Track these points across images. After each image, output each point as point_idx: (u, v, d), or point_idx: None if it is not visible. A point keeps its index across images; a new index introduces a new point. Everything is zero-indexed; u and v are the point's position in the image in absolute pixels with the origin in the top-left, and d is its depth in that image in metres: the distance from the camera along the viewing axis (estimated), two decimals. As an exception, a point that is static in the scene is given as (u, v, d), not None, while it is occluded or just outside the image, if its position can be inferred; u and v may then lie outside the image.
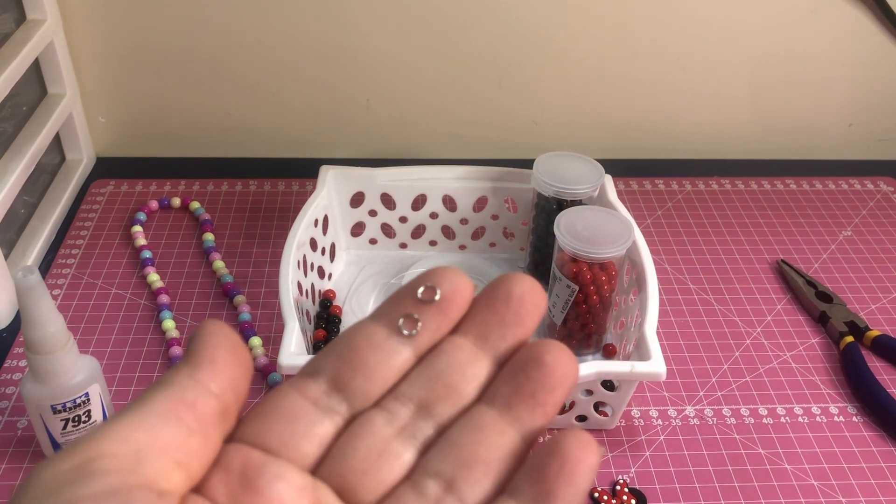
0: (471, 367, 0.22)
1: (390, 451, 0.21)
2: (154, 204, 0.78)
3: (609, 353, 0.63)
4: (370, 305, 0.68)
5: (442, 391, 0.22)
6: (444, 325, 0.23)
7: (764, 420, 0.59)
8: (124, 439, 0.19)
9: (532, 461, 0.21)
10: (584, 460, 0.20)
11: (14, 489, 0.54)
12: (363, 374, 0.22)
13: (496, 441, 0.21)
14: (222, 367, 0.21)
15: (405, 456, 0.21)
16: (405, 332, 0.23)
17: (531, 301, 0.23)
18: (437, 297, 0.23)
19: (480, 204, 0.71)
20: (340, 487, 0.21)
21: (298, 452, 0.21)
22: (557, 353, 0.22)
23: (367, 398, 0.22)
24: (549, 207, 0.66)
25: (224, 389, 0.21)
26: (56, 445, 0.52)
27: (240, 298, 0.67)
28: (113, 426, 0.19)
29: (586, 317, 0.61)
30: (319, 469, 0.21)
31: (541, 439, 0.22)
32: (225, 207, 0.78)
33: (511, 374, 0.22)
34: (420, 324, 0.22)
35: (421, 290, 0.23)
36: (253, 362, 0.22)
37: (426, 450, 0.21)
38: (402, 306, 0.23)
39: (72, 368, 0.49)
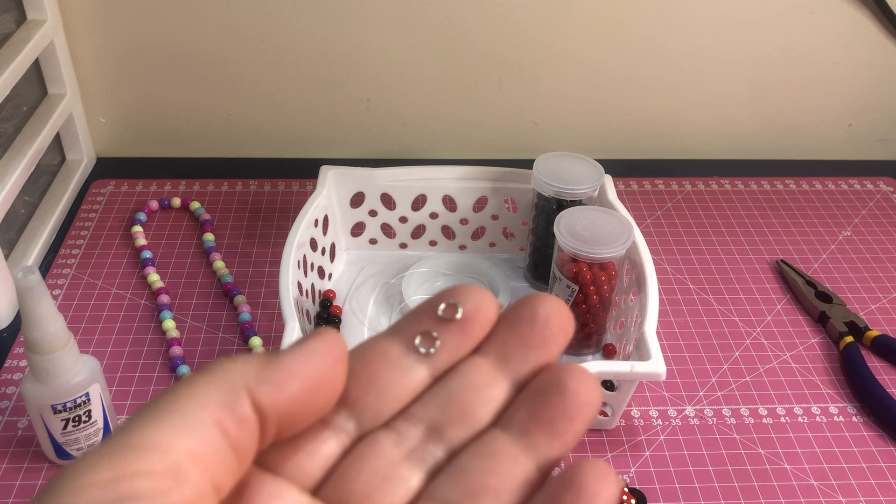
0: (487, 390, 0.21)
1: (396, 476, 0.20)
2: (154, 204, 0.78)
3: (609, 353, 0.63)
4: (370, 305, 0.68)
5: (455, 414, 0.21)
6: (464, 345, 0.21)
7: (764, 420, 0.59)
8: (164, 451, 0.18)
9: (546, 492, 0.19)
10: (602, 493, 0.19)
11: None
12: (374, 391, 0.21)
13: (509, 469, 0.20)
14: (295, 387, 0.19)
15: (412, 481, 0.20)
16: (422, 350, 0.21)
17: (557, 324, 0.21)
18: (458, 316, 0.21)
19: (480, 204, 0.71)
20: None
21: (300, 471, 0.20)
22: (580, 380, 0.21)
23: (377, 417, 0.21)
24: (549, 207, 0.66)
25: (282, 411, 0.19)
26: (56, 445, 0.52)
27: (240, 298, 0.67)
28: (154, 429, 0.18)
29: (586, 317, 0.61)
30: (321, 490, 0.20)
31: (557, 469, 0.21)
32: (225, 207, 0.79)
33: (530, 399, 0.21)
34: (438, 342, 0.21)
35: (442, 307, 0.21)
36: (334, 399, 0.21)
37: (435, 475, 0.20)
38: (421, 323, 0.22)
39: (72, 368, 0.49)
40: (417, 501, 0.20)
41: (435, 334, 0.21)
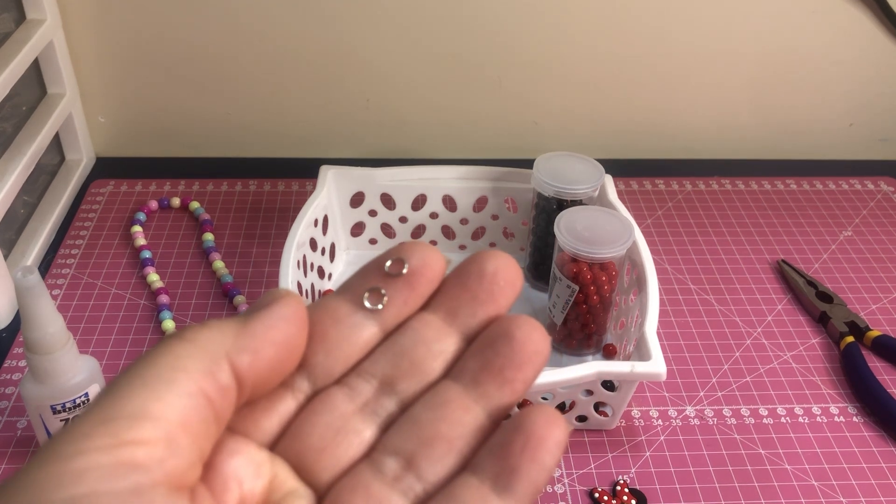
0: (437, 343, 0.21)
1: (349, 429, 0.21)
2: (154, 204, 0.78)
3: (609, 353, 0.63)
4: (370, 305, 0.67)
5: (407, 367, 0.21)
6: (411, 300, 0.22)
7: (764, 420, 0.59)
8: (156, 419, 0.18)
9: (496, 437, 0.20)
10: (551, 437, 0.19)
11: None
12: (324, 349, 0.21)
13: (460, 418, 0.20)
14: (270, 353, 0.20)
15: (365, 433, 0.21)
16: (369, 306, 0.22)
17: (504, 278, 0.22)
18: (404, 271, 0.22)
19: (480, 204, 0.71)
20: (298, 464, 0.21)
21: (257, 428, 0.21)
22: (528, 329, 0.21)
23: (329, 374, 0.21)
24: (550, 207, 0.65)
25: (257, 377, 0.20)
26: (56, 446, 0.52)
27: (240, 298, 0.67)
28: (143, 397, 0.18)
29: (586, 317, 0.61)
30: (278, 445, 0.21)
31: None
32: (225, 207, 0.78)
33: (479, 349, 0.21)
34: (386, 298, 0.22)
35: (388, 263, 0.22)
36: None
37: (388, 427, 0.21)
38: (369, 280, 0.22)
39: (71, 368, 0.49)
40: (371, 453, 0.20)
41: (383, 291, 0.22)
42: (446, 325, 0.22)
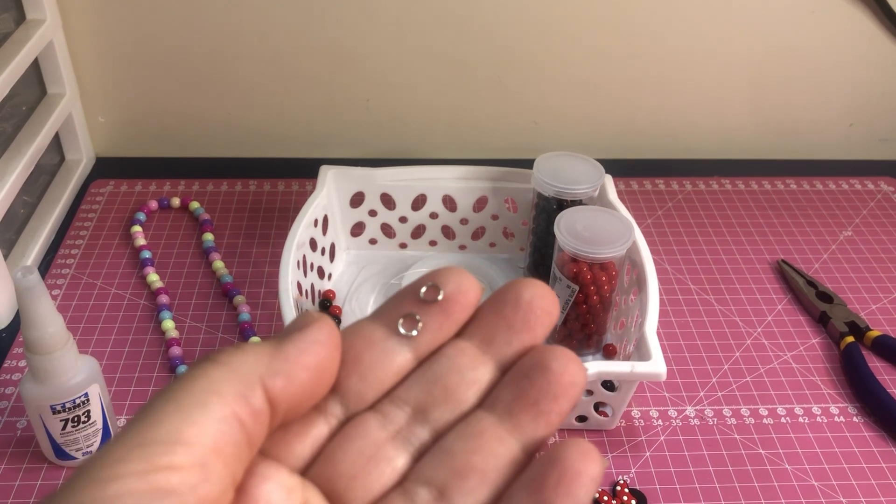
0: (472, 372, 0.21)
1: (382, 456, 0.20)
2: (153, 204, 0.78)
3: (609, 353, 0.63)
4: (370, 305, 0.67)
5: (440, 395, 0.21)
6: (446, 326, 0.22)
7: (764, 420, 0.59)
8: (190, 445, 0.18)
9: (531, 471, 0.20)
10: (586, 472, 0.19)
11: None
12: (358, 374, 0.21)
13: (494, 449, 0.20)
14: (303, 377, 0.20)
15: (397, 461, 0.21)
16: (404, 332, 0.21)
17: (541, 307, 0.22)
18: (440, 298, 0.22)
19: (480, 204, 0.71)
20: (329, 491, 0.20)
21: (290, 453, 0.21)
22: (564, 361, 0.21)
23: (362, 400, 0.21)
24: (550, 207, 0.65)
25: (291, 401, 0.20)
26: (55, 446, 0.52)
27: (239, 298, 0.67)
28: (177, 422, 0.18)
29: (586, 317, 0.61)
30: (310, 471, 0.21)
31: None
32: (224, 207, 0.78)
33: (514, 380, 0.21)
34: (420, 324, 0.21)
35: (424, 289, 0.22)
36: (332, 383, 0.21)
37: (420, 456, 0.21)
38: (403, 306, 0.22)
39: (71, 369, 0.49)
40: (404, 482, 0.20)
41: (417, 317, 0.22)
42: (481, 353, 0.22)
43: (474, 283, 0.22)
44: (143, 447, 0.18)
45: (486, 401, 0.21)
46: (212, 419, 0.18)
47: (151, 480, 0.17)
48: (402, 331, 0.22)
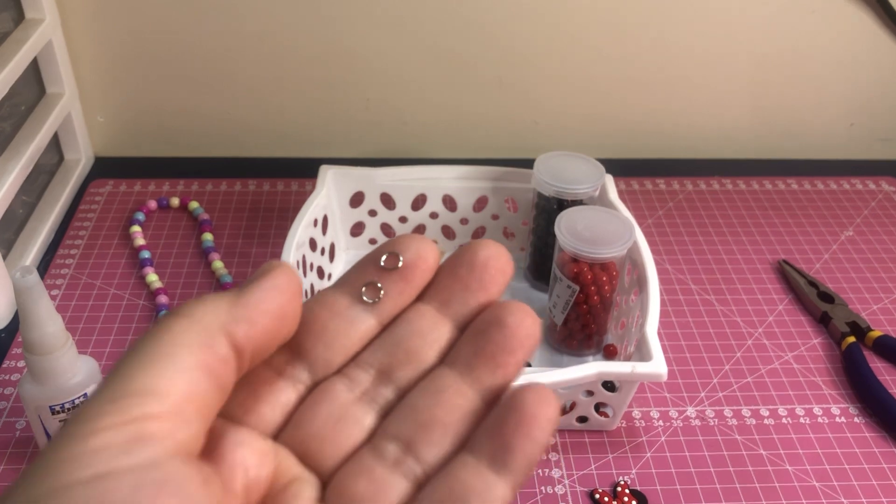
0: (432, 333, 0.22)
1: (350, 416, 0.21)
2: (153, 204, 0.77)
3: (610, 353, 0.63)
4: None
5: (403, 356, 0.22)
6: (407, 292, 0.23)
7: (765, 421, 0.59)
8: (163, 395, 0.19)
9: (491, 418, 0.21)
10: (542, 414, 0.20)
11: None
12: (324, 342, 0.22)
13: (455, 402, 0.21)
14: (265, 322, 0.21)
15: (365, 420, 0.22)
16: (367, 300, 0.23)
17: (495, 266, 0.23)
18: (399, 265, 0.23)
19: (480, 204, 0.71)
20: (302, 452, 0.21)
21: (260, 419, 0.22)
22: (520, 315, 0.22)
23: (328, 366, 0.22)
24: (550, 207, 0.65)
25: (255, 345, 0.21)
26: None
27: (239, 299, 0.67)
28: (149, 375, 0.19)
29: (587, 317, 0.61)
30: (281, 435, 0.22)
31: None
32: (224, 207, 0.78)
33: (472, 336, 0.22)
34: (382, 292, 0.23)
35: (384, 257, 0.23)
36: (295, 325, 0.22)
37: (387, 414, 0.22)
38: (365, 274, 0.23)
39: (70, 369, 0.49)
40: (372, 439, 0.21)
41: (379, 285, 0.23)
42: (440, 315, 0.23)
43: (433, 248, 0.23)
44: (117, 401, 0.18)
45: (447, 358, 0.22)
46: (181, 369, 0.19)
47: (130, 431, 0.18)
48: (365, 299, 0.23)
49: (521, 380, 0.22)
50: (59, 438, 0.18)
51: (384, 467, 0.21)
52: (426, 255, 0.23)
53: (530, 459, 0.20)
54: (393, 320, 0.23)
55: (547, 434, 0.20)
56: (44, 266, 0.71)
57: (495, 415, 0.21)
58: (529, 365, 0.62)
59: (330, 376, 0.22)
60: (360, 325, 0.23)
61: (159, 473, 0.18)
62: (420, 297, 0.23)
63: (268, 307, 0.21)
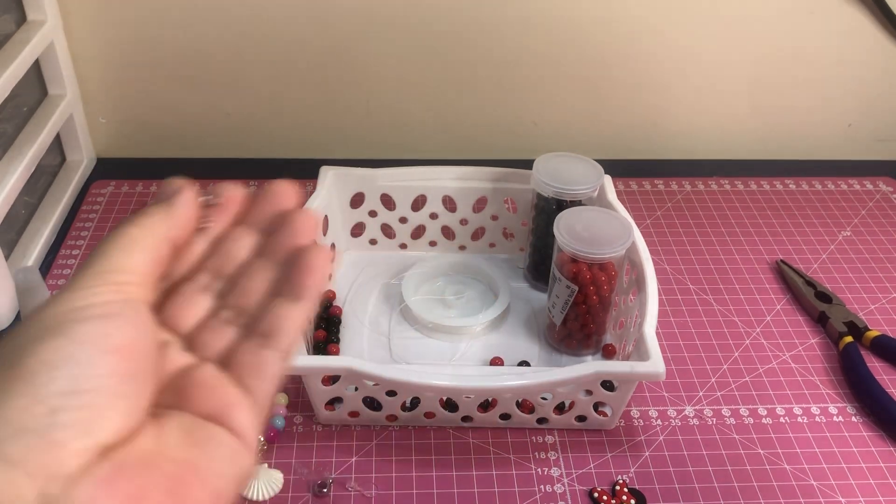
0: (245, 240, 0.31)
1: (194, 301, 0.30)
2: (154, 204, 0.78)
3: (609, 353, 0.63)
4: (370, 306, 0.68)
5: (227, 259, 0.31)
6: (224, 219, 0.32)
7: (763, 420, 0.59)
8: (132, 272, 0.27)
9: (285, 271, 0.31)
10: (317, 265, 0.30)
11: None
12: (177, 259, 0.31)
13: (263, 275, 0.31)
14: (186, 231, 0.31)
15: (206, 302, 0.30)
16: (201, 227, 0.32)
17: (282, 193, 0.32)
18: (219, 201, 0.32)
19: (480, 204, 0.71)
20: (167, 324, 0.30)
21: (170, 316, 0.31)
22: (302, 217, 0.31)
23: (180, 273, 0.31)
24: (549, 208, 0.66)
25: (183, 230, 0.31)
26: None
27: (240, 299, 0.67)
28: (121, 258, 0.27)
29: (586, 317, 0.61)
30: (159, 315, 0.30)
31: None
32: (225, 208, 0.78)
33: (274, 238, 0.31)
34: (210, 222, 0.32)
35: (207, 198, 0.32)
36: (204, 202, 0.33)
37: (222, 296, 0.31)
38: (195, 210, 0.32)
39: (72, 369, 0.49)
40: (215, 311, 0.30)
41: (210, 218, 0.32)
42: (250, 229, 0.32)
43: (240, 189, 0.32)
44: (97, 275, 0.26)
45: (258, 252, 0.32)
46: (141, 258, 0.28)
47: (110, 291, 0.26)
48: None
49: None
50: (50, 301, 0.25)
51: (221, 323, 0.30)
52: (235, 194, 0.32)
53: (318, 289, 0.30)
54: (218, 238, 0.32)
55: (326, 272, 0.30)
56: (46, 266, 0.71)
57: (288, 270, 0.30)
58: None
59: (181, 281, 0.31)
60: (199, 245, 0.31)
61: (131, 307, 0.26)
62: (235, 223, 0.32)
63: (189, 220, 0.31)
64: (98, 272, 0.26)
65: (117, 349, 0.25)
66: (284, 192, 0.32)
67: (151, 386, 0.26)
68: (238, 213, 0.33)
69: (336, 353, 0.62)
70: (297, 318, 0.29)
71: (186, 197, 0.31)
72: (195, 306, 0.30)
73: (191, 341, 0.29)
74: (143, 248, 0.28)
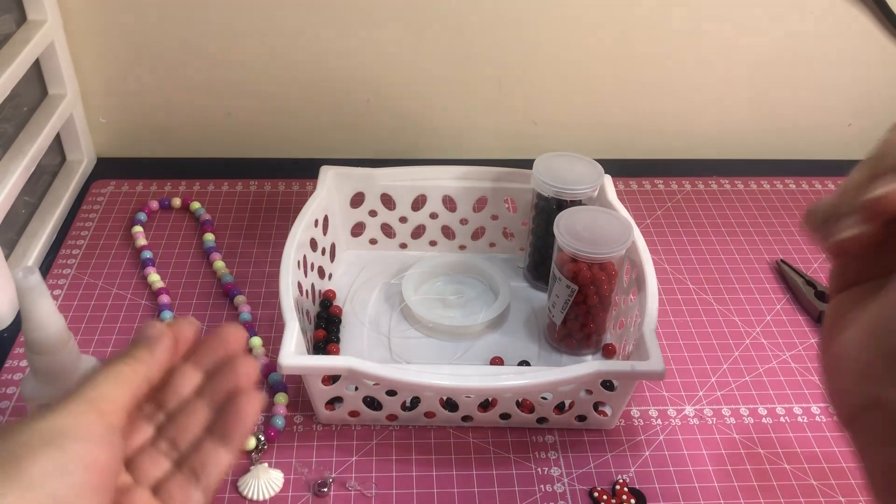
0: (190, 379, 0.35)
1: (138, 428, 0.34)
2: (154, 204, 0.78)
3: (609, 352, 0.63)
4: (370, 305, 0.68)
5: (172, 395, 0.35)
6: (175, 356, 0.35)
7: (763, 420, 0.59)
8: (111, 401, 0.31)
9: (219, 416, 0.35)
10: (251, 411, 0.34)
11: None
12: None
13: (200, 415, 0.35)
14: (163, 357, 0.34)
15: (148, 431, 0.34)
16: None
17: (230, 337, 0.36)
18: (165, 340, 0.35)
19: (480, 204, 0.71)
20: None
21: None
22: (234, 343, 0.36)
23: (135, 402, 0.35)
24: (549, 208, 0.66)
25: (158, 372, 0.35)
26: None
27: (240, 298, 0.67)
28: (103, 390, 0.31)
29: (586, 317, 0.61)
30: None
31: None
32: (225, 208, 0.79)
33: (215, 384, 0.35)
34: (159, 357, 0.35)
35: (154, 336, 0.35)
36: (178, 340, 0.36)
37: (162, 428, 0.35)
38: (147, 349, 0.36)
39: (72, 368, 0.49)
40: (154, 441, 0.34)
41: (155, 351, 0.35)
42: (196, 367, 0.36)
43: (193, 326, 0.36)
44: (89, 401, 0.31)
45: (198, 391, 0.36)
46: (125, 390, 0.32)
47: (97, 415, 0.30)
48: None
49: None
50: (49, 413, 0.30)
51: (158, 452, 0.34)
52: (189, 332, 0.36)
53: (246, 434, 0.35)
54: (166, 374, 0.35)
55: (256, 415, 0.35)
56: (46, 266, 0.71)
57: (222, 413, 0.34)
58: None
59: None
60: (145, 383, 0.34)
61: (114, 431, 0.31)
62: (184, 357, 0.36)
63: (161, 366, 0.34)
64: (90, 398, 0.31)
65: (97, 467, 0.29)
66: (233, 336, 0.36)
67: (108, 501, 0.30)
68: (188, 349, 0.36)
69: (336, 352, 0.62)
70: (222, 461, 0.34)
71: (165, 345, 0.34)
72: (140, 433, 0.34)
73: (131, 464, 0.33)
74: (127, 383, 0.32)
